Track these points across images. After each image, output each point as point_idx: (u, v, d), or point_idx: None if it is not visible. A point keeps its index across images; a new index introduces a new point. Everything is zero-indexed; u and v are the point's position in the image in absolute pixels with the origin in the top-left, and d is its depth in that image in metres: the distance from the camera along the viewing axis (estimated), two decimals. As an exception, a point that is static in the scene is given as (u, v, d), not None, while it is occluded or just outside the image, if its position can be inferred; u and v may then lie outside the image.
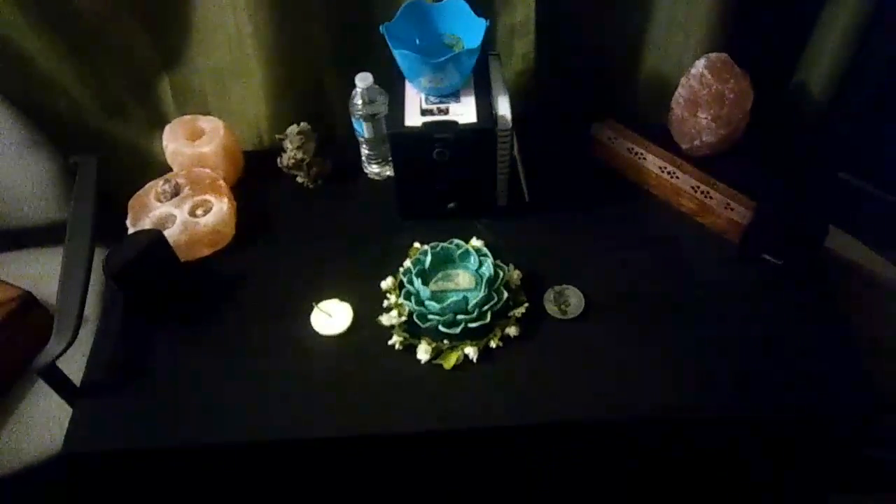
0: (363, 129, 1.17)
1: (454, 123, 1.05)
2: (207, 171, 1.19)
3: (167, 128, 1.23)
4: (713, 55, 1.16)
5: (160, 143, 1.23)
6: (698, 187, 1.13)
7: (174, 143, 1.21)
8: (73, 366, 0.99)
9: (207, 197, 1.15)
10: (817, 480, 1.16)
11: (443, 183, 1.12)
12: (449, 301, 0.97)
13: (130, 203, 1.14)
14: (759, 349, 0.99)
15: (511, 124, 1.06)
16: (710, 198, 1.12)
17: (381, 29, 1.03)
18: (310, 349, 1.01)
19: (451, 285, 1.05)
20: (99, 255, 1.01)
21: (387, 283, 1.07)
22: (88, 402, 0.97)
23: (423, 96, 1.09)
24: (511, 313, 1.02)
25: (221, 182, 1.17)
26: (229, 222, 1.14)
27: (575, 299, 1.04)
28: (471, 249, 1.06)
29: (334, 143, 1.30)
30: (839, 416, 0.99)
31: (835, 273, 1.11)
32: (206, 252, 1.13)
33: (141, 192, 1.16)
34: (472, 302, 0.98)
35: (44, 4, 1.10)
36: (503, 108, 1.07)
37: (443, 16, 1.10)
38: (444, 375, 0.97)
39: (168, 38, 1.21)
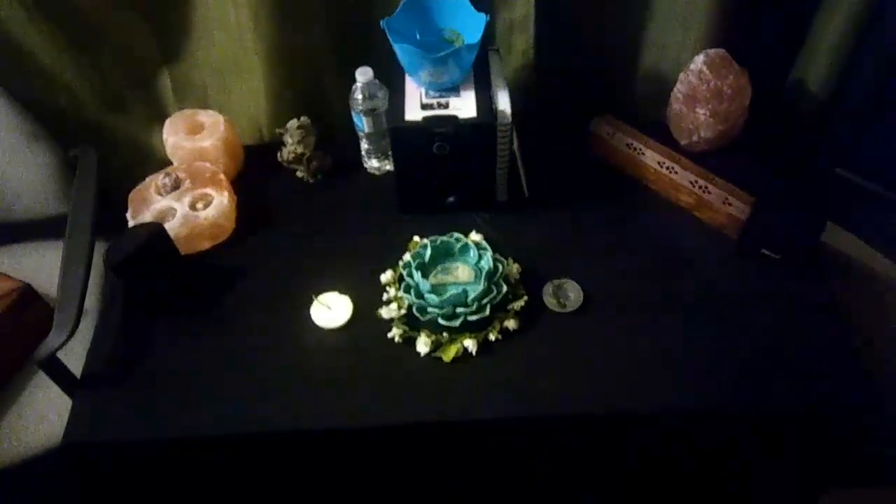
0: (363, 124, 1.17)
1: (454, 118, 1.05)
2: (208, 164, 1.19)
3: (167, 122, 1.23)
4: (712, 51, 1.16)
5: (160, 136, 1.23)
6: (696, 182, 1.13)
7: (174, 136, 1.21)
8: (74, 358, 0.99)
9: (208, 190, 1.15)
10: (814, 476, 1.16)
11: (442, 177, 1.12)
12: (448, 294, 0.98)
13: (131, 196, 1.15)
14: (757, 343, 1.00)
15: (511, 119, 1.06)
16: (709, 193, 1.12)
17: (382, 23, 1.04)
18: (309, 342, 1.01)
19: (450, 279, 1.05)
20: (99, 249, 1.01)
21: (386, 276, 1.08)
22: (88, 393, 0.97)
23: (423, 91, 1.10)
24: (510, 306, 1.02)
25: (221, 176, 1.18)
26: (229, 216, 1.15)
27: (573, 293, 1.05)
28: (470, 243, 1.06)
29: (334, 137, 1.30)
30: (836, 412, 0.99)
31: (832, 269, 1.11)
32: (207, 245, 1.14)
33: (141, 185, 1.17)
34: (472, 295, 0.98)
35: (44, -2, 1.10)
36: (503, 102, 1.07)
37: (443, 11, 1.11)
38: (444, 368, 0.98)
39: (169, 33, 1.21)
